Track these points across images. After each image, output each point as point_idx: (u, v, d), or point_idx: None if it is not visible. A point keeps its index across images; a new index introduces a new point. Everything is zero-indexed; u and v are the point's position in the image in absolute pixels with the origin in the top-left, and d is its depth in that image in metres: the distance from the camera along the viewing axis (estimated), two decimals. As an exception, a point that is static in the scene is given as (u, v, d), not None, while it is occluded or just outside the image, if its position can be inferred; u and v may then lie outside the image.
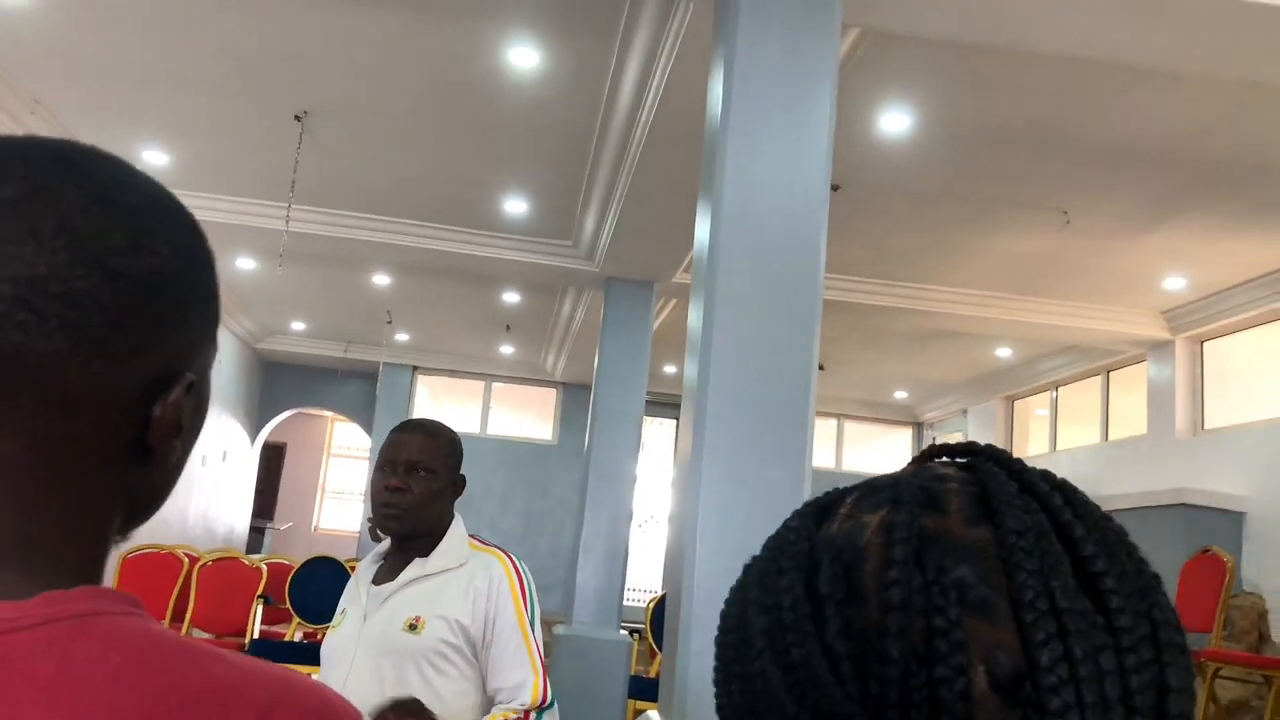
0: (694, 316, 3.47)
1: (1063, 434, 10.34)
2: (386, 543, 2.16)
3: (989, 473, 0.51)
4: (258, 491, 14.25)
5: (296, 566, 7.07)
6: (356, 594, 2.08)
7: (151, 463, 0.58)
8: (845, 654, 0.46)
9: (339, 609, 2.12)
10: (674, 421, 13.30)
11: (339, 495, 16.46)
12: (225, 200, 6.84)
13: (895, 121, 5.20)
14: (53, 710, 0.47)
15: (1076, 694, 0.43)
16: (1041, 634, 0.44)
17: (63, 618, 0.50)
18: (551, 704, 2.00)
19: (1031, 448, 10.98)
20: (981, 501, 0.49)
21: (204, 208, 6.75)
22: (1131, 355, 8.84)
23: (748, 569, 0.55)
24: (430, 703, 1.91)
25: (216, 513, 12.07)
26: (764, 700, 0.49)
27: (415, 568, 2.03)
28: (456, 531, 2.09)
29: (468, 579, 2.01)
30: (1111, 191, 5.89)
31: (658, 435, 12.83)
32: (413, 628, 1.95)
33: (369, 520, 10.66)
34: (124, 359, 0.55)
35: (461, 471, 2.15)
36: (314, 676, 2.12)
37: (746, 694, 0.51)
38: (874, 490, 0.53)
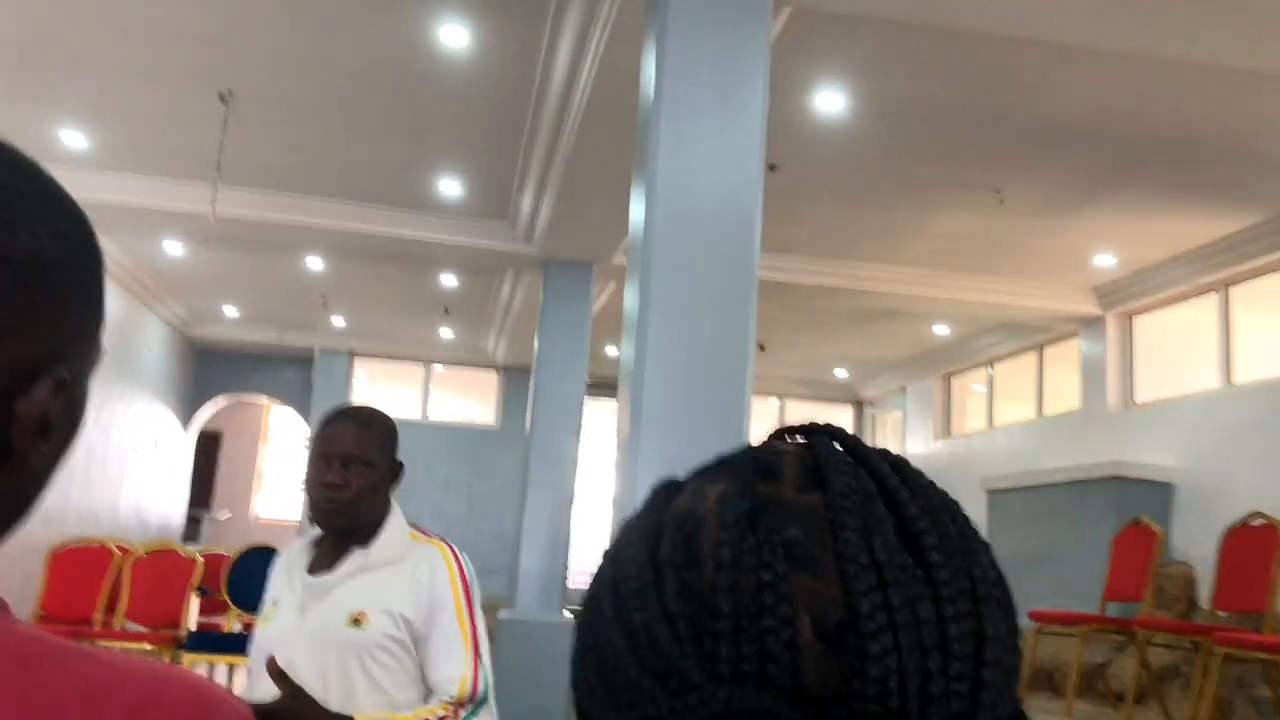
0: (630, 297, 3.44)
1: (999, 410, 10.51)
2: (317, 529, 2.07)
3: (824, 445, 0.54)
4: (193, 481, 13.96)
5: (234, 556, 6.95)
6: (290, 584, 1.99)
7: (12, 465, 0.55)
8: (682, 614, 0.48)
9: (269, 599, 2.02)
10: (616, 403, 13.29)
11: (277, 483, 16.20)
12: (149, 181, 6.64)
13: (830, 101, 5.21)
14: None
15: (895, 639, 0.45)
16: (862, 585, 0.46)
17: None
18: (484, 699, 1.95)
19: (970, 424, 11.15)
20: (815, 471, 0.52)
21: (127, 189, 6.56)
22: (1064, 331, 9.01)
23: (605, 553, 0.58)
24: (374, 696, 1.88)
25: (149, 503, 11.79)
26: (610, 667, 0.50)
27: (356, 559, 1.95)
28: (396, 521, 2.03)
29: (410, 571, 1.95)
30: (1043, 170, 5.97)
31: (601, 417, 12.82)
32: (356, 622, 1.89)
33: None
34: None
35: (399, 458, 2.08)
36: (246, 669, 2.01)
37: (596, 665, 0.52)
38: (719, 464, 0.56)
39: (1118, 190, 6.17)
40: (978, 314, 8.83)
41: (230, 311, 11.60)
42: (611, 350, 11.20)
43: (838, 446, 0.54)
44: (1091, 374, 8.59)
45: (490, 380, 13.00)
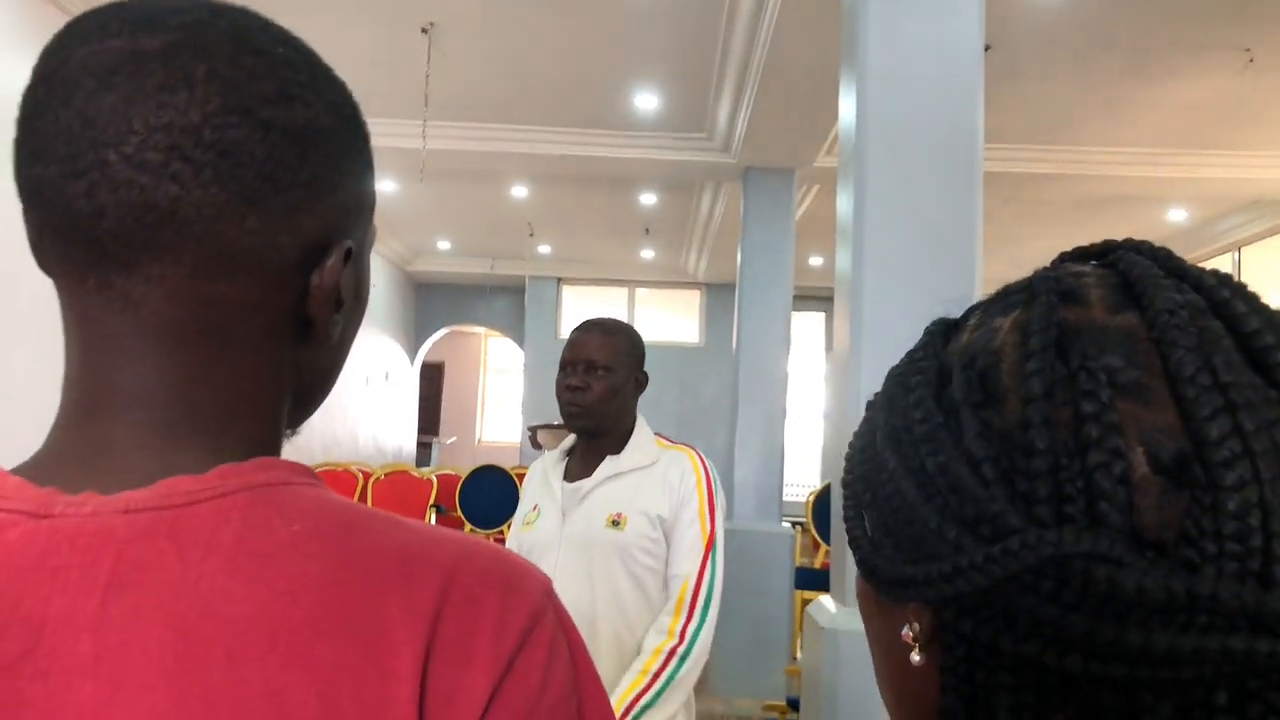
0: (843, 201, 3.30)
1: (1248, 298, 9.62)
2: (570, 439, 2.21)
3: (1131, 261, 0.47)
4: (421, 409, 14.82)
5: (464, 476, 7.33)
6: (549, 490, 2.12)
7: (313, 338, 0.57)
8: (985, 456, 0.44)
9: (529, 504, 2.15)
10: (822, 314, 13.06)
11: (498, 408, 16.96)
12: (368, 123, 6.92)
13: (1050, -32, 4.78)
14: (237, 578, 0.48)
15: (1253, 469, 0.39)
16: (1207, 409, 0.40)
17: (239, 489, 0.51)
18: (705, 607, 1.98)
19: (1211, 315, 10.29)
20: (1126, 289, 0.46)
21: (343, 134, 6.86)
22: (1326, 206, 8.09)
23: (871, 404, 0.53)
24: (637, 594, 1.99)
25: (385, 431, 12.62)
26: (901, 519, 0.46)
27: (610, 465, 2.07)
28: (643, 430, 2.15)
29: (662, 475, 2.06)
30: (1303, 23, 5.30)
31: (806, 329, 12.64)
32: (615, 524, 2.00)
33: (530, 429, 10.94)
34: (280, 218, 0.53)
35: (645, 369, 2.20)
36: None
37: (882, 519, 0.48)
38: (1005, 294, 0.50)
39: (1396, 38, 5.41)
40: (1221, 192, 8.03)
41: (444, 245, 12.09)
42: (815, 260, 10.95)
43: (1146, 259, 0.47)
44: (1360, 251, 7.70)
45: (693, 298, 13.04)
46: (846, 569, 2.59)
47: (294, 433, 0.61)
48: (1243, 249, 9.60)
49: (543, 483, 2.16)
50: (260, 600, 0.47)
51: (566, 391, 2.09)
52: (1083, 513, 0.41)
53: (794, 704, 4.03)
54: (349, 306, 0.59)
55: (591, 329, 2.14)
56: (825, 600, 2.72)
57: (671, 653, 1.94)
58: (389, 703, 0.47)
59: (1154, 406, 0.42)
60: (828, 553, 6.27)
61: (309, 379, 0.59)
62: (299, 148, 0.53)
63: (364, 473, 7.51)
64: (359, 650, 0.47)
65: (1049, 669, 0.42)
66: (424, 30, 5.44)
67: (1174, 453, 0.41)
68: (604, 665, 1.94)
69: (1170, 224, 9.62)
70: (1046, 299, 0.46)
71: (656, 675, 1.92)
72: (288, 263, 0.54)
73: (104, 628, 0.46)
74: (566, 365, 2.11)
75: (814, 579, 5.91)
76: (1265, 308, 0.45)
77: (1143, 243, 0.49)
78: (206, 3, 0.55)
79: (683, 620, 1.97)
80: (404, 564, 0.50)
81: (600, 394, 2.08)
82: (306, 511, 0.51)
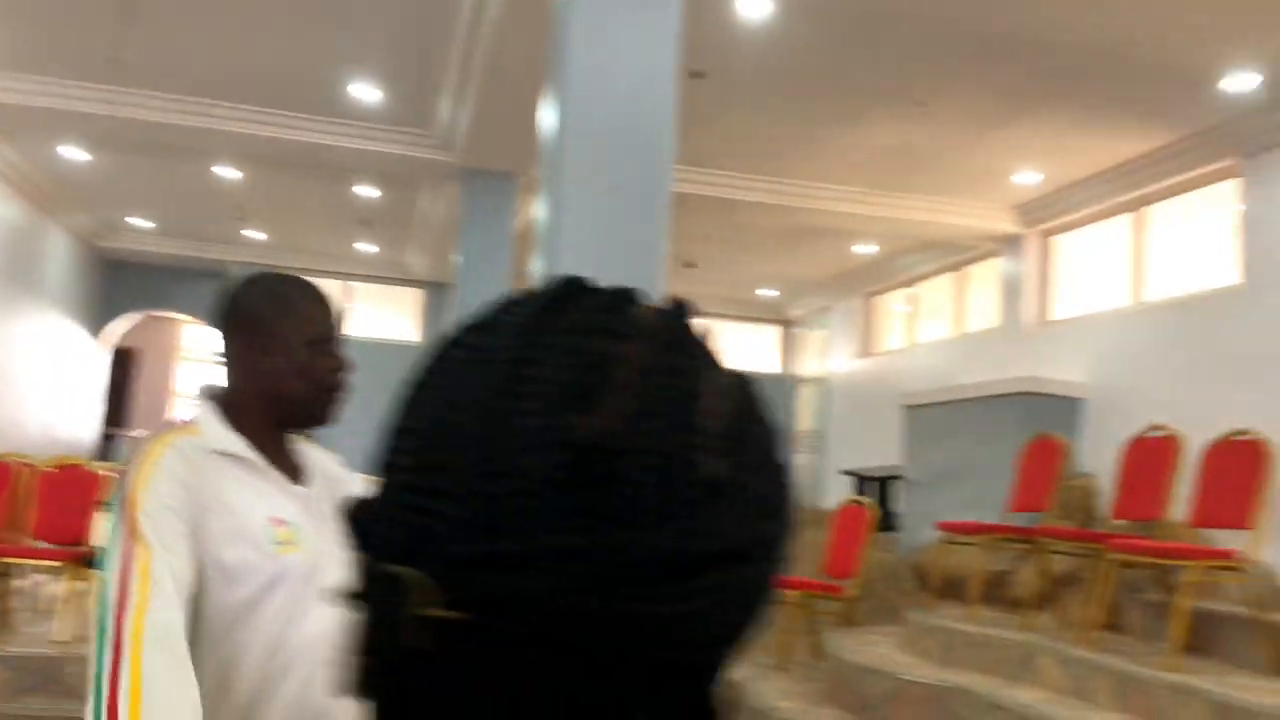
0: (542, 209, 3.36)
1: (921, 329, 10.66)
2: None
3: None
4: (110, 399, 13.59)
5: (144, 473, 6.77)
6: (288, 497, 1.41)
7: None
8: None
9: (276, 520, 1.37)
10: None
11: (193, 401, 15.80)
12: (44, 82, 6.28)
13: (755, 6, 5.09)
14: None
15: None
16: None
17: None
18: None
19: (891, 342, 11.31)
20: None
21: (21, 90, 6.20)
22: (986, 250, 9.11)
23: None
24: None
25: (61, 420, 11.46)
26: None
27: (311, 456, 1.52)
28: None
29: (324, 452, 1.60)
30: (968, 82, 5.94)
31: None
32: None
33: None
34: None
35: None
36: (315, 619, 1.42)
37: None
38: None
39: (1040, 107, 6.19)
40: (902, 232, 8.87)
41: (140, 223, 11.17)
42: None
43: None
44: (1011, 292, 8.73)
45: (414, 296, 12.80)
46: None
47: None
48: (918, 283, 10.63)
49: (257, 489, 1.41)
50: None
51: (332, 375, 1.46)
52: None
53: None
54: None
55: (324, 297, 1.53)
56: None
57: None
58: None
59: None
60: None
61: None
62: None
63: (27, 465, 6.77)
64: None
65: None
66: (116, -12, 5.02)
67: None
68: None
69: (860, 256, 10.50)
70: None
71: None
72: None
73: None
74: (320, 342, 1.47)
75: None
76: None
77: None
78: None
79: None
80: None
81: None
82: None
